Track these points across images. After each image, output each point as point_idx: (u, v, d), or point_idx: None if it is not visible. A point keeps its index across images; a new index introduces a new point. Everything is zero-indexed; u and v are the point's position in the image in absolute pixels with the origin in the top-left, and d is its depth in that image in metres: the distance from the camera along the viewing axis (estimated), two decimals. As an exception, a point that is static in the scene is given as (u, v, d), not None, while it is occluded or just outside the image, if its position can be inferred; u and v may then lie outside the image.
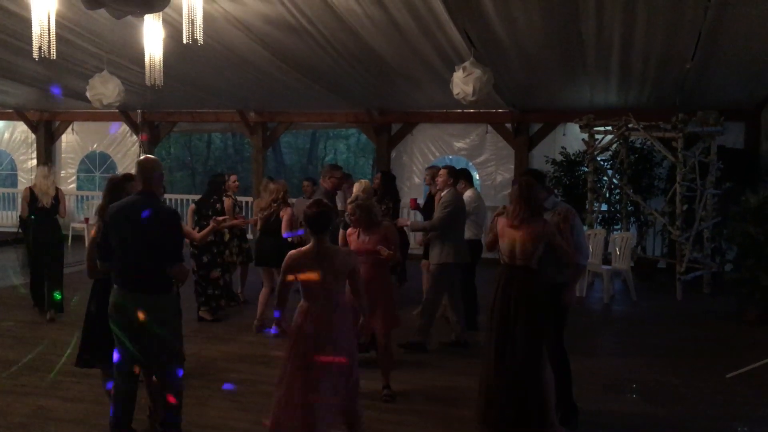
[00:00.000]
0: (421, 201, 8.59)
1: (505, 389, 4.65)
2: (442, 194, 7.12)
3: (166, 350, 4.32)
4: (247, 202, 13.99)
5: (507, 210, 4.83)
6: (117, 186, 4.86)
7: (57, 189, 8.28)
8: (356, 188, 6.67)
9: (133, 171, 4.59)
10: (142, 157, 4.52)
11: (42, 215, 8.11)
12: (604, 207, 11.48)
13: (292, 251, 4.39)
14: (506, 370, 4.63)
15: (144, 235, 4.18)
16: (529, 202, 4.66)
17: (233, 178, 8.74)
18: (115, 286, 4.33)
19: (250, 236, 10.20)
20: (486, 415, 4.80)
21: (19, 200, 14.79)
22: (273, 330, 7.05)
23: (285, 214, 7.43)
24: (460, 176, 7.54)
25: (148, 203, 4.23)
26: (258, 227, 7.97)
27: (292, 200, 8.13)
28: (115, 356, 4.39)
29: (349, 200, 5.81)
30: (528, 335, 4.59)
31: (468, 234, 7.58)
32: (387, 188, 8.77)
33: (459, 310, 7.12)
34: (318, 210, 4.34)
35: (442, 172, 7.17)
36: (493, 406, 4.72)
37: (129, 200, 4.37)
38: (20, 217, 8.54)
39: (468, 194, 7.71)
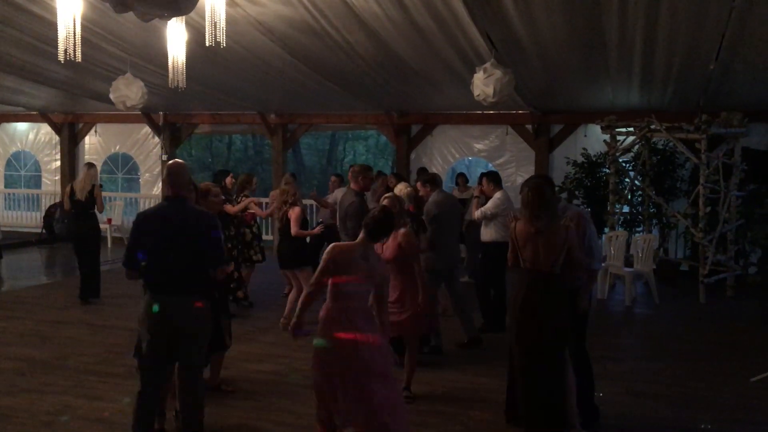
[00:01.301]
0: None
1: (526, 392, 4.63)
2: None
3: (197, 355, 4.38)
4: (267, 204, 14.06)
5: (522, 215, 4.72)
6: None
7: (93, 185, 8.91)
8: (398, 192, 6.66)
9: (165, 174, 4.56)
10: (170, 162, 4.56)
11: (78, 208, 8.85)
12: (625, 209, 11.36)
13: (338, 243, 4.34)
14: (528, 373, 4.61)
15: (186, 240, 4.20)
16: (545, 204, 4.56)
17: (255, 180, 9.12)
18: (148, 292, 4.28)
19: (270, 237, 10.25)
20: (509, 415, 4.92)
21: (44, 201, 15.31)
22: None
23: (293, 214, 7.61)
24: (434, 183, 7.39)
25: (183, 208, 4.29)
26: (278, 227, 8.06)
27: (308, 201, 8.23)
28: (140, 359, 4.46)
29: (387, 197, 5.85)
30: (551, 340, 4.56)
31: (496, 236, 7.58)
32: None
33: (463, 314, 7.10)
34: (379, 216, 4.40)
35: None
36: (517, 407, 4.78)
37: (161, 205, 4.43)
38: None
39: (497, 196, 7.72)
